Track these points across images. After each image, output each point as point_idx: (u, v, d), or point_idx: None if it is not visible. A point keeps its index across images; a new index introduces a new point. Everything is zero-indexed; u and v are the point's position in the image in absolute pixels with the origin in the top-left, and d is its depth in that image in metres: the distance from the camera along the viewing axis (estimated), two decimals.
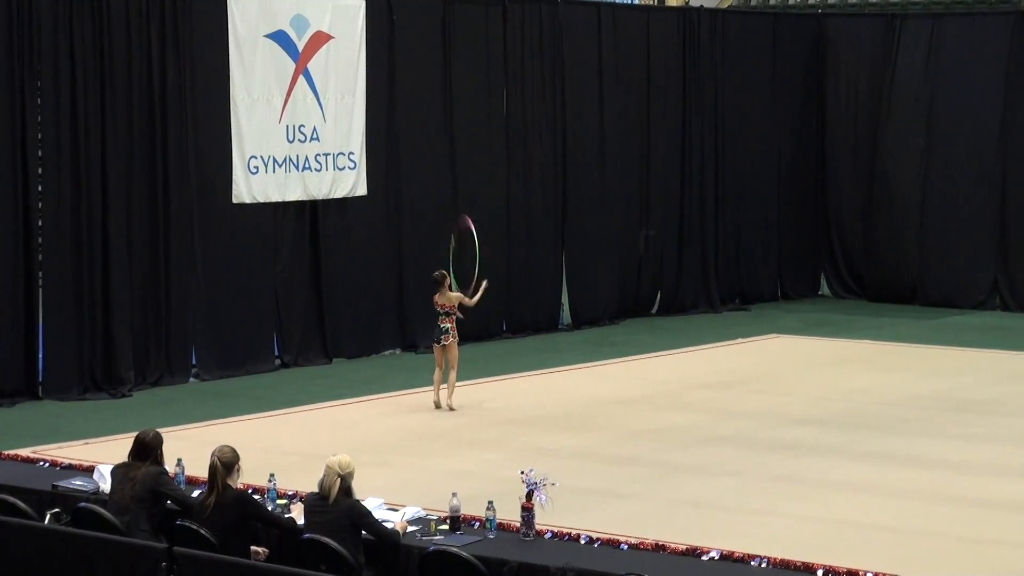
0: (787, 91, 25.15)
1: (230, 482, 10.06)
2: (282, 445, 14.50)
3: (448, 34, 20.79)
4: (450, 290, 16.22)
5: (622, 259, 23.00)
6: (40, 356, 17.19)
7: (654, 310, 23.58)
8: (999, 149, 23.95)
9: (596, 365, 19.22)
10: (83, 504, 10.66)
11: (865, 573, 9.75)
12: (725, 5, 28.02)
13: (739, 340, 20.98)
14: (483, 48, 21.19)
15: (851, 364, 19.33)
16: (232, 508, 10.00)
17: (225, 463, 10.05)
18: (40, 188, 17.22)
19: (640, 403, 16.67)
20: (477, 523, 10.56)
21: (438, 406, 16.10)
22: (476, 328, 20.43)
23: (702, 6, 25.50)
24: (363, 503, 10.13)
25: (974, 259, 24.13)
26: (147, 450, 10.58)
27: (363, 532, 9.93)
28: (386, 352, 20.06)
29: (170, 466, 11.00)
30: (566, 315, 22.39)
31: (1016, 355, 19.81)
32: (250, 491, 10.97)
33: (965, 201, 24.22)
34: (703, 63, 23.87)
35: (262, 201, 18.92)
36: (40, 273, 17.27)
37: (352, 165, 19.74)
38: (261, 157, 18.88)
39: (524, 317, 21.71)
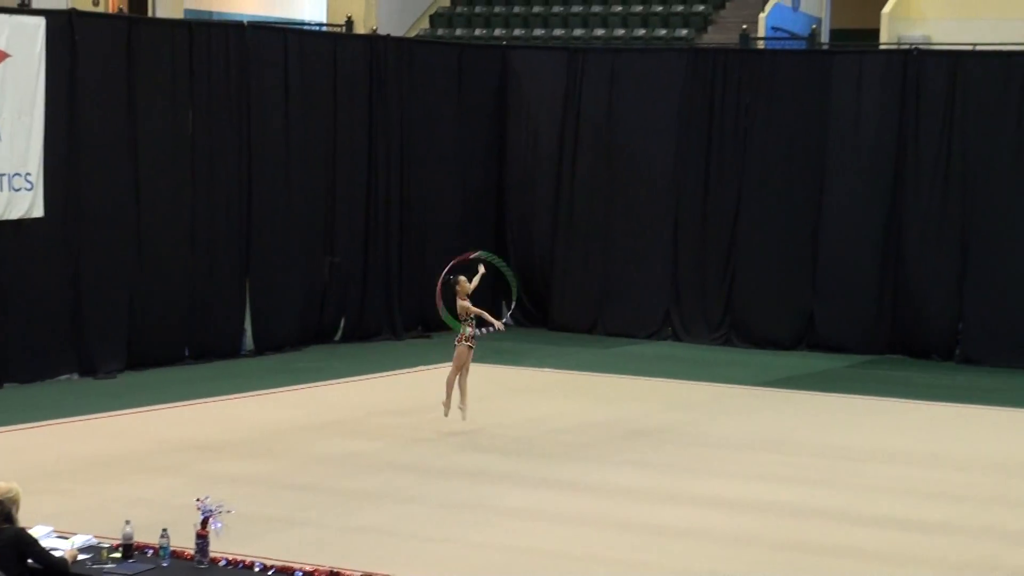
0: (473, 121, 25.50)
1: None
2: None
3: (132, 55, 20.46)
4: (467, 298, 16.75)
5: (306, 285, 22.98)
6: None
7: (338, 337, 23.60)
8: (672, 183, 24.73)
9: (279, 392, 19.16)
10: None
11: None
12: (412, 34, 28.27)
13: (421, 368, 21.15)
14: (168, 70, 20.93)
15: (531, 392, 19.68)
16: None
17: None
18: None
19: (321, 430, 16.68)
20: (151, 551, 10.45)
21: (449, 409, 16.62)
22: (157, 354, 20.18)
23: (389, 35, 25.67)
24: (30, 531, 9.92)
25: (649, 291, 24.84)
26: None
27: (30, 560, 9.73)
28: (62, 377, 19.64)
29: None
30: (249, 341, 22.25)
31: (685, 384, 20.45)
32: None
33: (642, 233, 24.91)
34: (390, 91, 24.03)
35: None
36: None
37: (29, 186, 19.27)
38: None
39: (206, 342, 21.48)
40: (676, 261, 24.74)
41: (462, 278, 17.02)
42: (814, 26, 30.80)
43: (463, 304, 16.84)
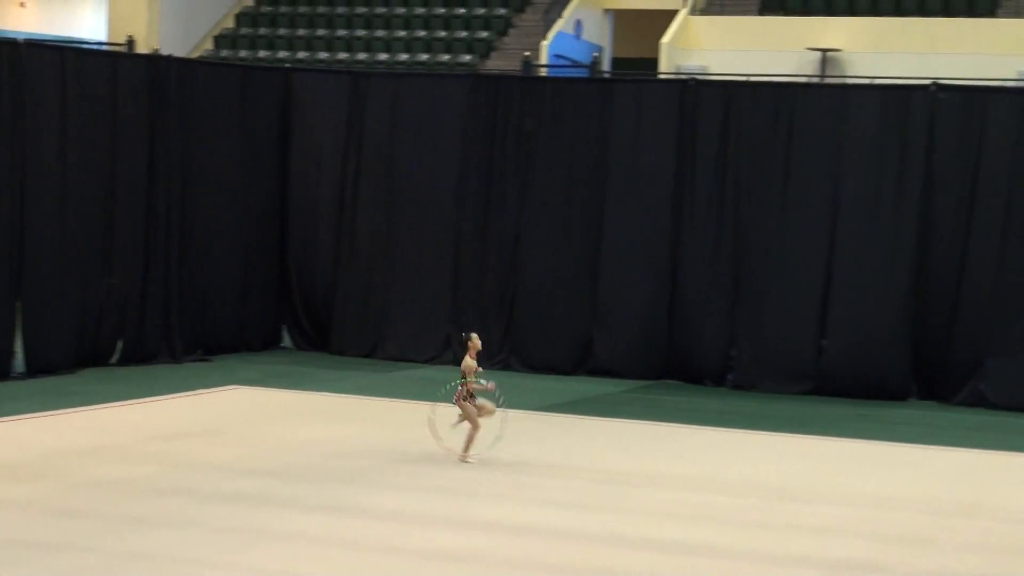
0: (256, 144, 25.36)
1: None
2: None
3: None
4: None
5: (82, 306, 22.60)
6: None
7: (115, 359, 23.26)
8: (455, 208, 24.87)
9: (51, 415, 18.80)
10: None
11: None
12: (195, 55, 28.03)
13: (199, 391, 20.95)
14: None
15: (309, 416, 19.59)
16: None
17: None
18: None
19: (92, 454, 16.40)
20: None
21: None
22: None
23: (171, 55, 25.42)
24: None
25: (430, 316, 24.92)
26: None
27: None
28: None
29: None
30: (20, 363, 21.80)
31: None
32: None
33: (423, 258, 25.01)
34: (171, 112, 23.78)
35: None
36: None
37: None
38: None
39: None
40: (457, 286, 24.88)
41: (474, 335, 16.95)
42: (596, 54, 31.28)
43: (469, 362, 16.65)
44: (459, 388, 16.67)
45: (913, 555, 13.33)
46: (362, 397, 21.27)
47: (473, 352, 16.76)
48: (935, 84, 23.02)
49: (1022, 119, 22.44)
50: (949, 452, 18.91)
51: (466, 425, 16.80)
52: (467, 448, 16.77)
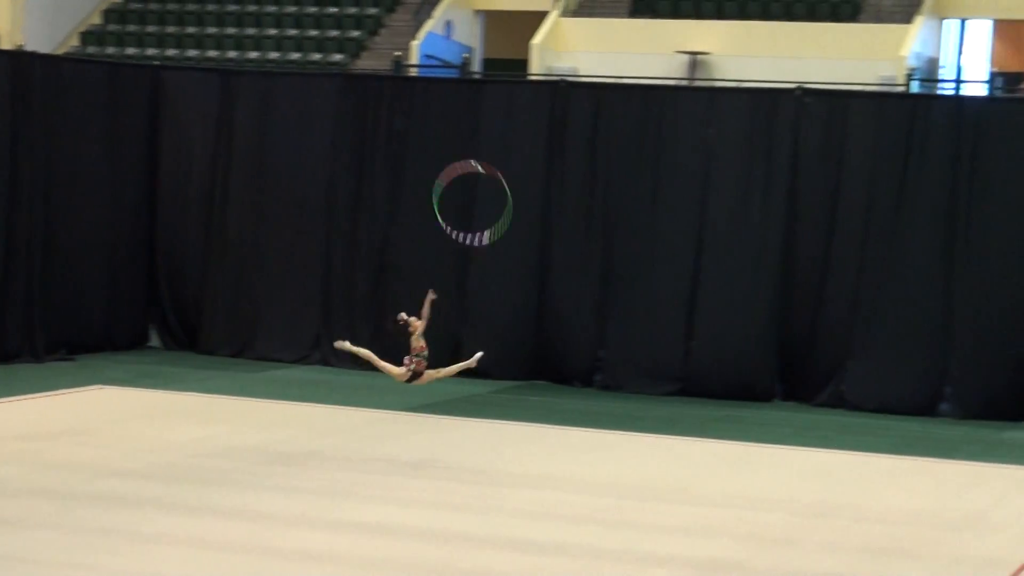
0: (125, 142, 25.08)
1: None
2: None
3: None
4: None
5: None
6: None
7: None
8: (326, 208, 24.80)
9: None
10: None
11: None
12: (61, 51, 27.72)
13: (63, 391, 20.71)
14: None
15: (177, 416, 19.45)
16: None
17: None
18: None
19: None
20: None
21: None
22: None
23: (36, 51, 25.12)
24: None
25: (300, 315, 24.84)
26: None
27: None
28: None
29: None
30: None
31: (334, 408, 20.53)
32: None
33: (294, 257, 24.91)
34: (35, 109, 23.46)
35: None
36: None
37: None
38: None
39: None
40: (328, 286, 24.81)
41: (412, 319, 16.97)
42: (466, 55, 31.36)
43: (417, 339, 16.87)
44: (408, 361, 16.98)
45: (776, 555, 13.53)
46: (231, 397, 21.16)
47: (417, 334, 16.92)
48: (800, 88, 23.35)
49: (882, 123, 22.83)
50: (810, 453, 19.20)
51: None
52: (356, 351, 17.18)
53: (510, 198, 17.17)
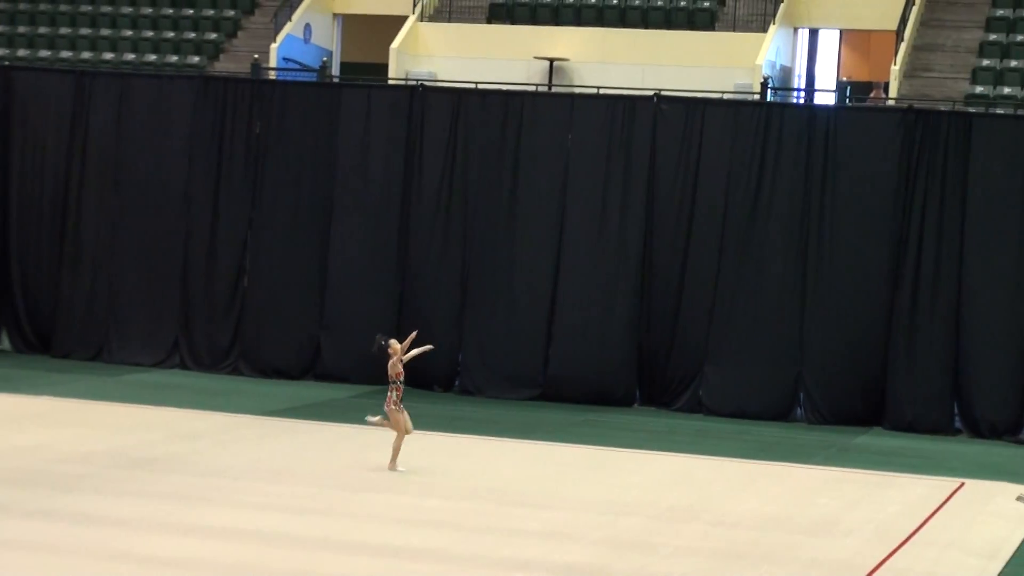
0: None
1: None
2: None
3: None
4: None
5: None
6: None
7: None
8: (183, 211, 24.57)
9: None
10: None
11: None
12: None
13: None
14: None
15: (29, 420, 19.13)
16: None
17: None
18: None
19: None
20: None
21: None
22: None
23: None
24: None
25: (158, 319, 24.57)
26: None
27: None
28: None
29: None
30: None
31: (192, 413, 20.32)
32: None
33: (151, 260, 24.65)
34: None
35: None
36: None
37: None
38: None
39: None
40: (186, 288, 24.58)
41: (392, 340, 17.06)
42: (325, 59, 31.21)
43: (395, 365, 16.85)
44: (389, 394, 16.89)
45: (633, 559, 13.60)
46: (85, 401, 20.86)
47: (396, 357, 16.88)
48: (657, 95, 23.54)
49: (738, 131, 23.09)
50: (669, 457, 19.34)
51: (392, 436, 17.03)
52: (395, 458, 16.93)
53: None
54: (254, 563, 12.74)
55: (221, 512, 14.56)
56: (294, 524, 14.20)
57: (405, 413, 17.05)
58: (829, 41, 37.77)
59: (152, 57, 33.19)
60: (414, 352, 17.22)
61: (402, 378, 17.04)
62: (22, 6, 36.96)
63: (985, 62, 30.65)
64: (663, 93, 23.68)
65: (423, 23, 34.53)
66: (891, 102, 29.21)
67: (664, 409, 23.09)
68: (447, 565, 13.00)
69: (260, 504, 14.99)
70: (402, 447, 17.08)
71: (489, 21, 35.08)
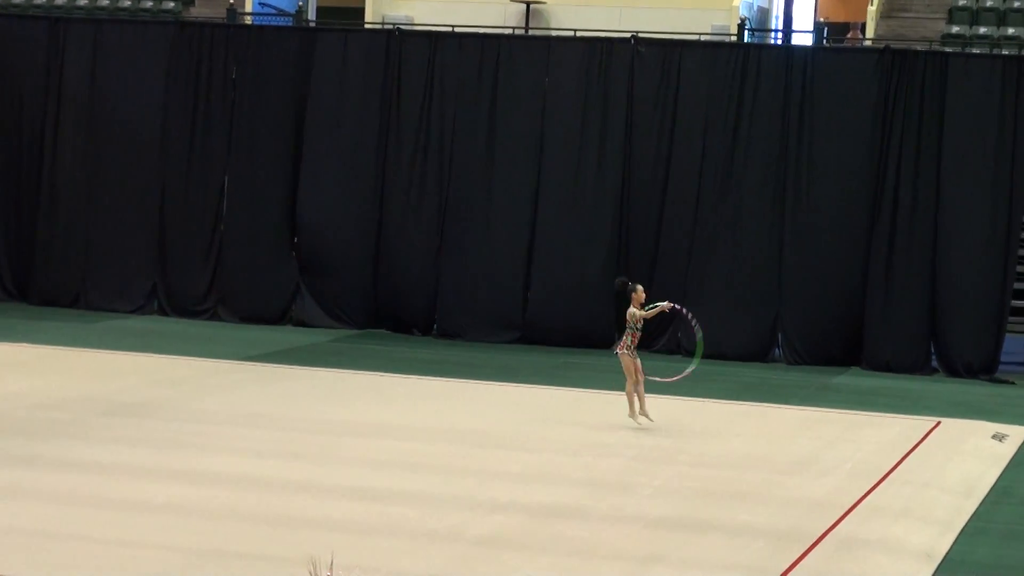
0: None
1: None
2: None
3: None
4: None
5: None
6: None
7: None
8: (159, 156, 24.53)
9: None
10: None
11: None
12: None
13: None
14: None
15: (9, 368, 19.14)
16: None
17: None
18: None
19: None
20: None
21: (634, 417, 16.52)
22: None
23: None
24: None
25: (135, 264, 24.57)
26: None
27: None
28: None
29: None
30: None
31: (171, 359, 20.35)
32: None
33: (128, 206, 24.62)
34: None
35: None
36: None
37: None
38: None
39: None
40: (163, 234, 24.57)
41: (639, 286, 17.04)
42: (301, 3, 31.02)
43: (634, 312, 16.80)
44: (624, 338, 16.91)
45: (613, 500, 13.69)
46: (64, 348, 20.87)
47: (637, 303, 16.89)
48: (635, 37, 23.52)
49: (713, 72, 23.09)
50: (648, 399, 19.37)
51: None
52: (633, 406, 16.96)
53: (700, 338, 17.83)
54: (237, 508, 12.80)
55: (204, 457, 14.60)
56: (276, 468, 14.26)
57: (638, 360, 16.96)
58: None
59: (127, 3, 32.99)
60: (655, 310, 17.16)
61: (640, 325, 16.98)
62: None
63: (961, 2, 30.61)
64: (640, 35, 23.66)
65: None
66: (868, 43, 29.19)
67: (643, 351, 23.12)
68: (427, 508, 13.07)
69: (242, 449, 15.04)
70: (629, 394, 17.02)
71: None
